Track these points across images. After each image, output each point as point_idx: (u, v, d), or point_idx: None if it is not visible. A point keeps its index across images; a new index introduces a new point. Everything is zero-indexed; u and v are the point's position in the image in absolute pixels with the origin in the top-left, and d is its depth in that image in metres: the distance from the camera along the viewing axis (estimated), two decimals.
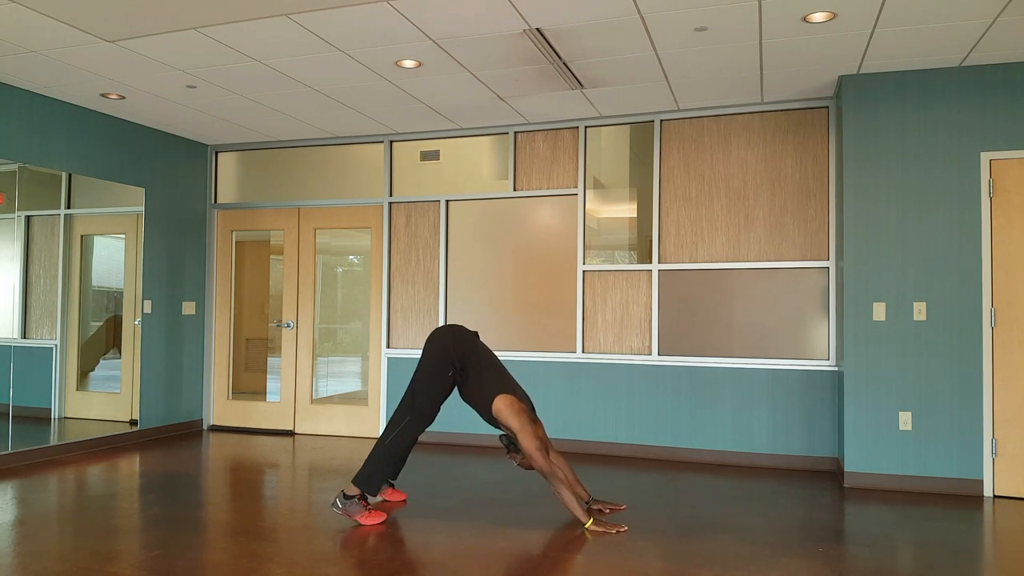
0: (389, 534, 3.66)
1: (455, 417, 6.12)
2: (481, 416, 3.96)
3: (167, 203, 6.50)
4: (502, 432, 3.94)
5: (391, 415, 4.07)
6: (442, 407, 4.04)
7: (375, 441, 6.22)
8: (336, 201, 6.60)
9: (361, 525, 3.80)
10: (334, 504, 3.89)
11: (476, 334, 4.08)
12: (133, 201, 6.19)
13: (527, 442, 3.72)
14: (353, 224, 6.61)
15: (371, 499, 4.12)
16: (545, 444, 3.87)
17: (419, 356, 4.14)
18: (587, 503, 4.06)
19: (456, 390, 4.02)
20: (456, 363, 3.93)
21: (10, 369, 5.26)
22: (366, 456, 5.54)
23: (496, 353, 6.00)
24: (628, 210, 5.82)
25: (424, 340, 6.27)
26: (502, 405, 3.82)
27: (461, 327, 4.08)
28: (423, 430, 4.00)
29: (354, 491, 3.88)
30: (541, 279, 6.01)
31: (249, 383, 6.95)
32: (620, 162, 5.86)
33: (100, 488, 4.56)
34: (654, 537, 3.64)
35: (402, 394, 3.71)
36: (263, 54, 4.51)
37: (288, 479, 4.92)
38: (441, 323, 6.23)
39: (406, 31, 4.12)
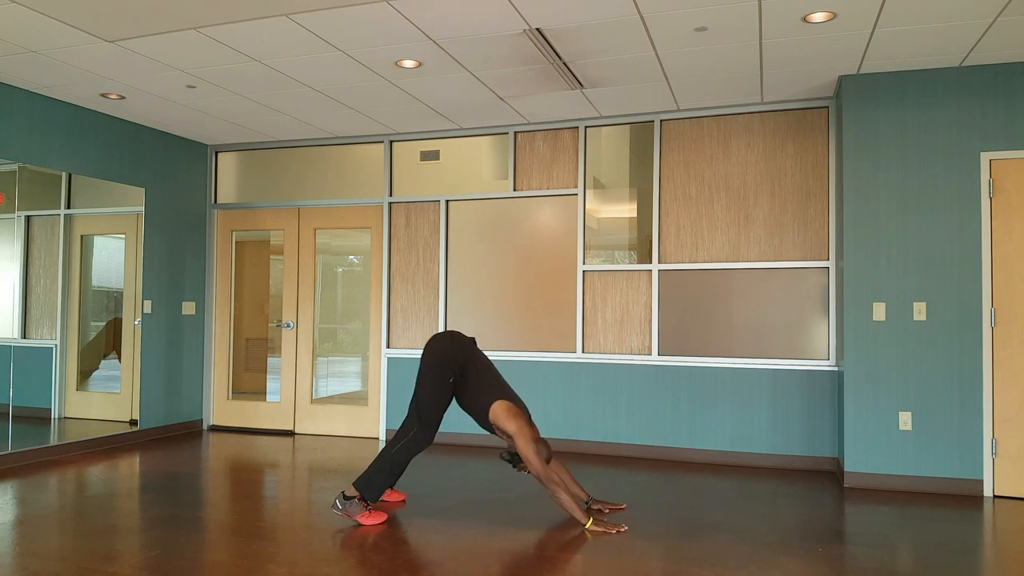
0: (389, 534, 3.66)
1: (454, 417, 6.12)
2: (478, 422, 3.95)
3: (167, 203, 6.50)
4: (505, 446, 3.92)
5: (400, 424, 4.03)
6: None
7: (379, 443, 6.24)
8: (336, 201, 6.60)
9: (361, 525, 3.80)
10: (334, 505, 3.89)
11: (473, 340, 4.07)
12: (133, 201, 6.19)
13: (524, 444, 3.72)
14: (353, 224, 6.61)
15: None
16: (542, 449, 3.86)
17: (419, 360, 4.12)
18: (586, 503, 4.07)
19: (454, 398, 4.02)
20: (456, 370, 3.93)
21: (10, 369, 5.26)
22: (371, 459, 5.53)
23: (497, 353, 6.05)
24: (628, 210, 5.82)
25: (424, 341, 6.28)
26: (500, 409, 3.82)
27: (459, 333, 4.07)
28: (431, 440, 3.97)
29: (354, 492, 3.88)
30: (541, 279, 6.01)
31: (249, 383, 6.95)
32: (620, 162, 5.86)
33: (100, 488, 4.56)
34: (654, 537, 3.64)
35: (401, 394, 3.73)
36: (263, 54, 4.51)
37: (288, 479, 4.92)
38: (441, 324, 6.23)
39: (406, 31, 4.12)
